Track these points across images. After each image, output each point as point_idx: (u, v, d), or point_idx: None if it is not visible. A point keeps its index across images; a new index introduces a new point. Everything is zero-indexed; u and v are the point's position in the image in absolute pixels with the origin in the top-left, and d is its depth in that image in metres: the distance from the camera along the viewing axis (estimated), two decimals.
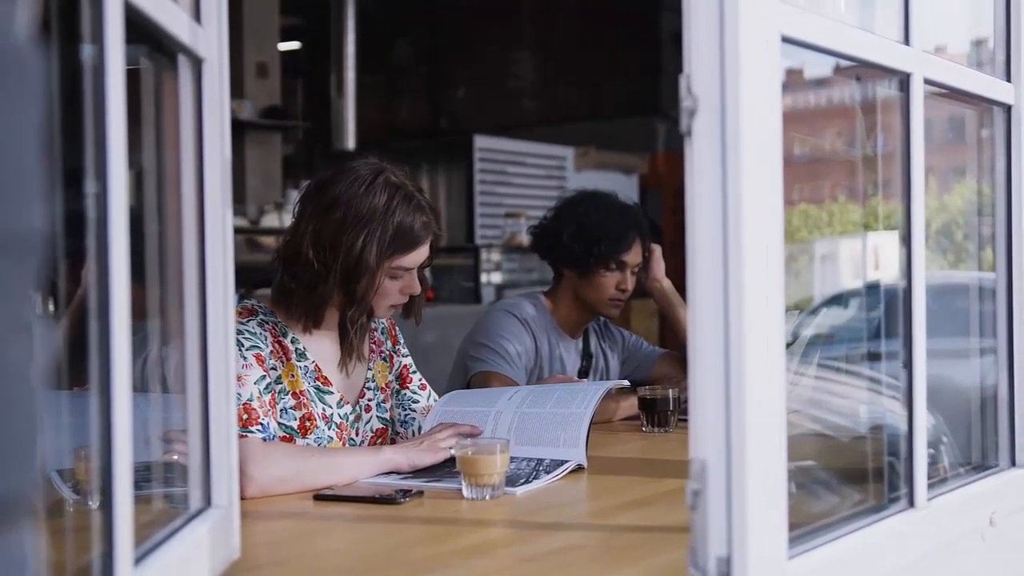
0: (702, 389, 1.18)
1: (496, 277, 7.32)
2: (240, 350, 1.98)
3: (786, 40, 1.24)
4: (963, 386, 1.99)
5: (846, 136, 2.01)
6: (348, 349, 2.13)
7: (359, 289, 2.04)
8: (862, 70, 1.61)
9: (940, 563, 1.58)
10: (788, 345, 1.95)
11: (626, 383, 2.43)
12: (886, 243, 1.81)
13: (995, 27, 1.82)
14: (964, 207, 2.07)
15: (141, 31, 1.14)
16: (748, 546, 1.16)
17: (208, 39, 1.33)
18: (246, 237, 6.82)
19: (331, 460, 1.92)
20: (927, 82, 1.53)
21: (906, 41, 1.50)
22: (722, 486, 1.17)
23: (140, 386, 1.38)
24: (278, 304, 2.14)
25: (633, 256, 2.95)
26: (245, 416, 1.91)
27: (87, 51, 0.99)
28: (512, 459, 1.93)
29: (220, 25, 1.36)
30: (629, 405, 2.73)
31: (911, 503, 1.52)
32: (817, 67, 1.61)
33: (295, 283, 2.07)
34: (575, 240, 2.92)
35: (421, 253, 2.11)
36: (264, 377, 2.01)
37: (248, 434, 1.90)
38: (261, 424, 1.95)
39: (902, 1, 1.50)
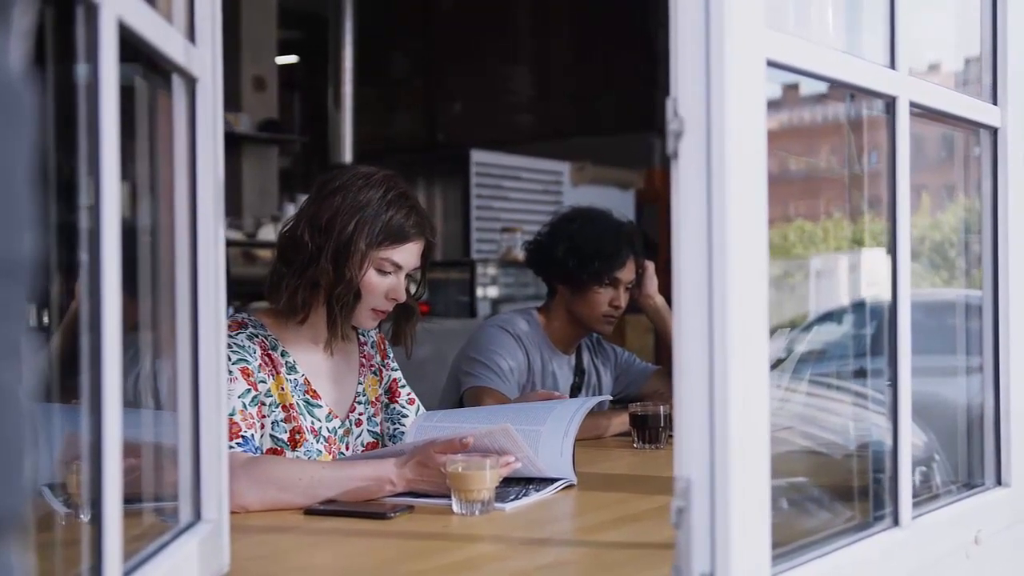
0: (687, 408, 1.19)
1: (492, 291, 7.33)
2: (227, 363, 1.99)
3: (772, 64, 1.26)
4: (950, 404, 2.00)
5: (840, 153, 2.02)
6: (334, 330, 2.15)
7: (347, 271, 2.09)
8: (853, 89, 1.63)
9: None
10: (781, 361, 1.96)
11: (608, 398, 2.43)
12: (879, 260, 1.83)
13: (982, 50, 1.84)
14: (957, 225, 2.09)
15: (136, 50, 1.16)
16: (731, 563, 1.17)
17: (202, 58, 1.35)
18: (242, 250, 6.83)
19: (317, 482, 1.90)
20: (913, 105, 1.55)
21: (892, 65, 1.52)
22: (706, 504, 1.18)
23: (132, 402, 1.39)
24: (269, 313, 2.17)
25: (626, 273, 2.97)
26: None
27: (81, 70, 1.00)
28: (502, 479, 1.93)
29: (214, 44, 1.37)
30: (620, 421, 2.74)
31: (896, 521, 1.53)
32: (813, 84, 1.63)
33: (287, 268, 2.12)
34: (569, 256, 2.94)
35: (410, 251, 2.16)
36: (250, 391, 2.03)
37: (228, 448, 1.91)
38: (243, 437, 1.97)
39: (888, 25, 1.52)
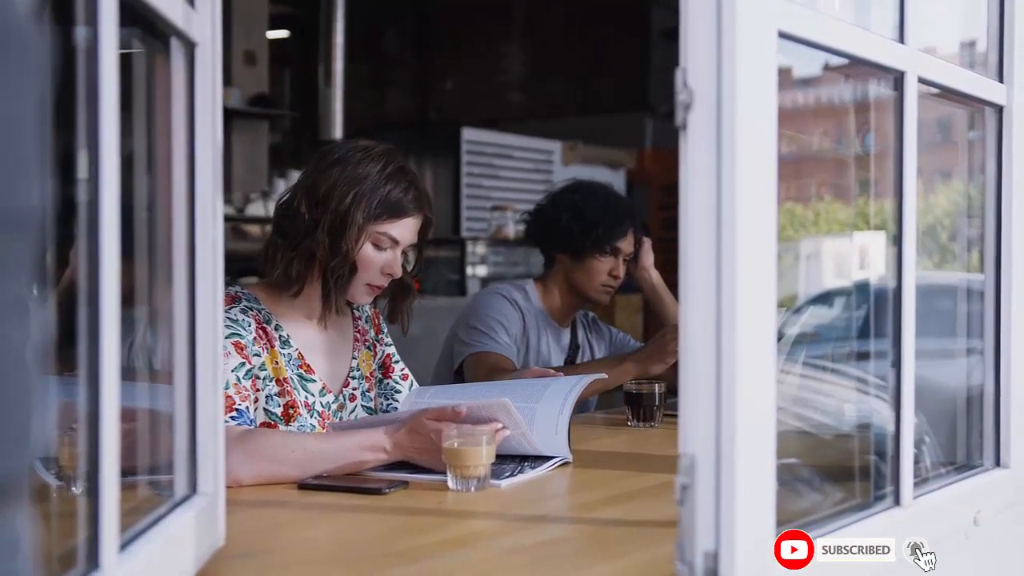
0: (693, 384, 1.18)
1: (481, 270, 7.32)
2: None
3: (783, 36, 1.24)
4: (949, 386, 2.00)
5: (834, 135, 2.01)
6: (328, 304, 2.12)
7: (343, 244, 2.07)
8: (851, 69, 1.62)
9: None
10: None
11: (603, 375, 2.42)
12: (872, 243, 1.81)
13: (988, 28, 1.82)
14: (950, 208, 2.07)
15: (134, 13, 1.13)
16: (736, 541, 1.16)
17: (201, 23, 1.32)
18: (232, 225, 6.79)
19: (311, 454, 1.88)
20: (921, 81, 1.53)
21: (901, 39, 1.50)
22: (711, 481, 1.17)
23: (126, 372, 1.36)
24: (263, 286, 2.15)
25: (627, 244, 2.97)
26: None
27: (81, 33, 0.97)
28: (497, 456, 1.91)
29: (213, 9, 1.35)
30: (623, 371, 2.71)
31: (897, 501, 1.52)
32: (806, 66, 1.61)
33: (283, 239, 2.09)
34: (573, 223, 2.94)
35: (407, 227, 2.13)
36: (243, 364, 2.01)
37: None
38: (237, 410, 1.95)
39: (897, 0, 1.50)
